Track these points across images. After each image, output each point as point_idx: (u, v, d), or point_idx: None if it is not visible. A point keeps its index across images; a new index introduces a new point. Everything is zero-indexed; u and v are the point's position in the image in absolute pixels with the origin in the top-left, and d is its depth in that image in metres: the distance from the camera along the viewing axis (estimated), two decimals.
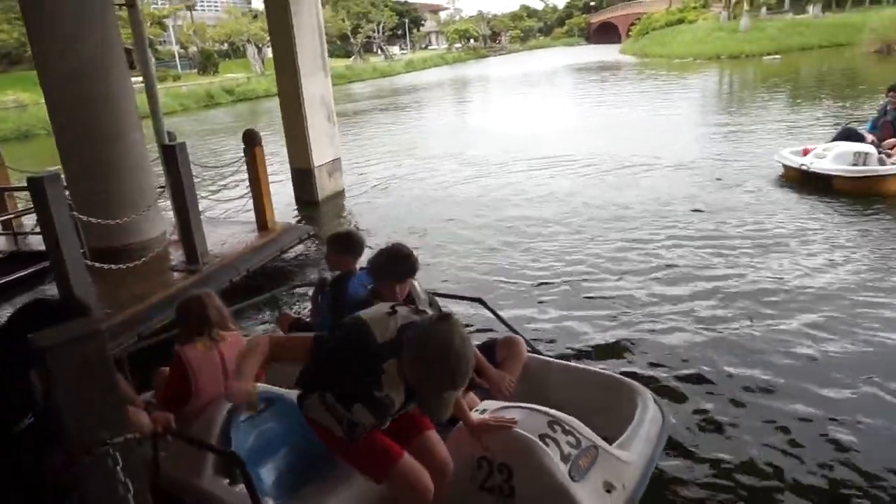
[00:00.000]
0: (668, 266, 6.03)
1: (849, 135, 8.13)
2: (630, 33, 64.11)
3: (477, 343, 3.30)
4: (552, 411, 2.60)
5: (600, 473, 2.45)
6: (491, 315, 3.85)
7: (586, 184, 9.61)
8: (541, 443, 2.40)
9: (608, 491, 2.41)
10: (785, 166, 8.54)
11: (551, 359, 3.67)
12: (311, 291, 4.33)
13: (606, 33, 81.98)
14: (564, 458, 2.39)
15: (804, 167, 8.03)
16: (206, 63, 50.23)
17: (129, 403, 2.68)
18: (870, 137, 7.97)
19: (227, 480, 2.64)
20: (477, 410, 2.63)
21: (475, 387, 3.04)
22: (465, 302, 4.08)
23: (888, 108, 8.04)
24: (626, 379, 3.29)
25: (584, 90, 26.51)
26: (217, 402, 2.90)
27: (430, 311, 3.09)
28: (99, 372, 1.67)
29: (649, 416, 2.87)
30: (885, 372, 3.96)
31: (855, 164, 7.58)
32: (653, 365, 4.33)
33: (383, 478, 2.27)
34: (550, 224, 7.69)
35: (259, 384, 2.99)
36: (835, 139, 8.37)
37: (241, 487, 2.43)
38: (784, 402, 3.78)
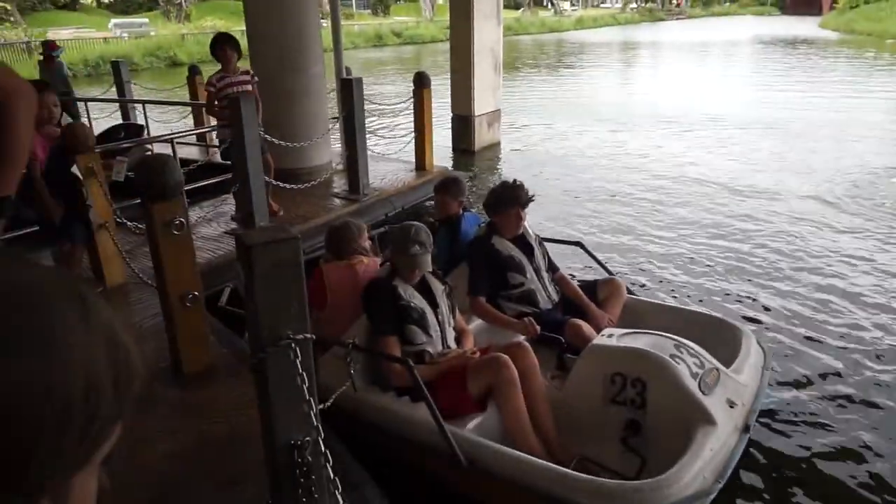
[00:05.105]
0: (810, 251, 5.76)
1: None
2: (836, 4, 56.72)
3: (578, 282, 3.66)
4: (677, 337, 2.84)
5: (723, 391, 2.70)
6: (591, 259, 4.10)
7: (743, 160, 8.87)
8: (672, 361, 2.64)
9: (731, 406, 2.66)
10: None
11: (651, 300, 3.87)
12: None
13: (806, 3, 73.16)
14: (693, 375, 2.64)
15: None
16: (378, 4, 51.79)
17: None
18: None
19: (408, 397, 2.80)
20: (604, 335, 2.91)
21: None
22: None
23: None
24: (726, 318, 3.46)
25: (769, 68, 24.01)
26: None
27: (538, 249, 3.53)
28: (291, 273, 1.83)
29: (754, 350, 3.12)
30: None
31: None
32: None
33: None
34: (684, 194, 7.62)
35: None
36: None
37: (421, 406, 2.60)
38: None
